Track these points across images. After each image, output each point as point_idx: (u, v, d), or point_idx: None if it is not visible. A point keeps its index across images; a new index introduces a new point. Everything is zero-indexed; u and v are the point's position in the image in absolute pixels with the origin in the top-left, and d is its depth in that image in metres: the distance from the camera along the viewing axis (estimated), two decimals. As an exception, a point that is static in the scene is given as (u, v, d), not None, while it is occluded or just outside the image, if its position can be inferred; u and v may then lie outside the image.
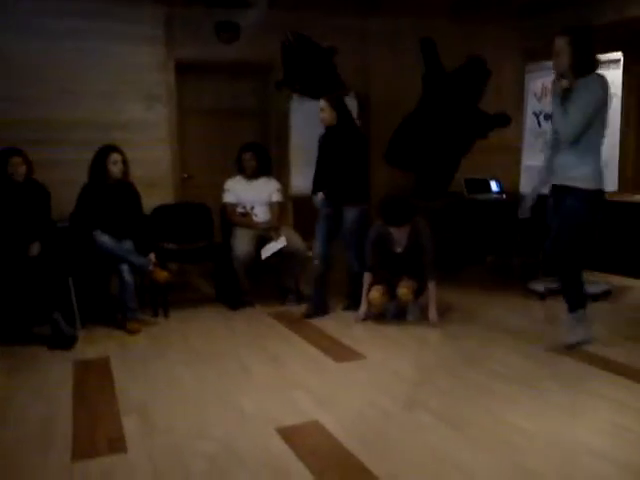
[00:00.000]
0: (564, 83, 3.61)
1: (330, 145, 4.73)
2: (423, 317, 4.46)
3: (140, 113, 5.78)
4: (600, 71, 4.89)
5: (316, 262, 4.78)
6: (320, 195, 4.80)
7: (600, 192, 3.70)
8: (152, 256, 4.63)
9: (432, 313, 4.41)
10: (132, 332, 4.41)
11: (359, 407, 3.07)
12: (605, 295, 5.06)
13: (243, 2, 5.90)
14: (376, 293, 4.45)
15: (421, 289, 4.49)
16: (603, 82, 3.57)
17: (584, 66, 3.57)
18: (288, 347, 4.05)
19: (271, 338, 4.25)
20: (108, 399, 3.23)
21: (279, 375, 3.54)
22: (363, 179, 4.76)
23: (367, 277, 4.55)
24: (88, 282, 4.79)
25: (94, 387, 3.43)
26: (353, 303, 4.78)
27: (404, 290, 4.40)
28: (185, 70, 6.00)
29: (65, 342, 4.09)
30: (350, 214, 4.66)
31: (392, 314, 4.59)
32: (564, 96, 3.63)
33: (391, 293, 4.49)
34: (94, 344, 4.19)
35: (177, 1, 5.76)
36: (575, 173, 3.64)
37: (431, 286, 4.42)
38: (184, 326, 4.60)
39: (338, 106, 4.67)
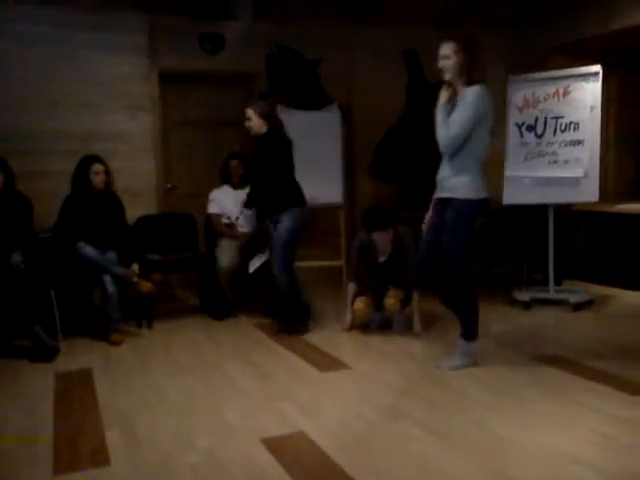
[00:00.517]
0: (446, 93, 3.52)
1: (257, 156, 4.47)
2: (409, 327, 4.47)
3: (124, 123, 5.76)
4: (580, 83, 5.04)
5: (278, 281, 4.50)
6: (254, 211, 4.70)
7: (481, 202, 3.54)
8: (135, 267, 4.60)
9: (417, 324, 4.42)
10: (115, 344, 4.37)
11: (344, 417, 3.06)
12: (587, 304, 5.10)
13: (227, 14, 5.92)
14: (360, 304, 4.46)
15: (408, 299, 4.49)
16: (485, 93, 3.45)
17: (467, 76, 3.46)
18: (273, 358, 4.03)
19: (256, 349, 4.23)
20: (91, 411, 3.20)
21: (264, 386, 3.53)
22: (290, 185, 4.49)
23: (351, 287, 4.55)
24: (70, 293, 4.74)
25: (76, 399, 3.39)
26: (286, 328, 4.53)
27: (392, 300, 4.41)
28: (169, 80, 5.99)
29: (46, 354, 4.05)
30: (282, 223, 4.38)
31: (377, 325, 4.60)
32: (448, 106, 3.51)
33: (377, 303, 4.49)
34: (76, 356, 4.15)
35: (160, 11, 5.76)
36: (454, 183, 3.52)
37: (414, 296, 4.43)
38: (168, 337, 4.57)
39: (267, 115, 4.44)
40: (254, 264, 4.95)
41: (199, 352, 4.21)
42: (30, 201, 4.56)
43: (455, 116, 3.44)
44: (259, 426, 2.96)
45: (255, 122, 4.45)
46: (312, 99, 6.01)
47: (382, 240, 4.43)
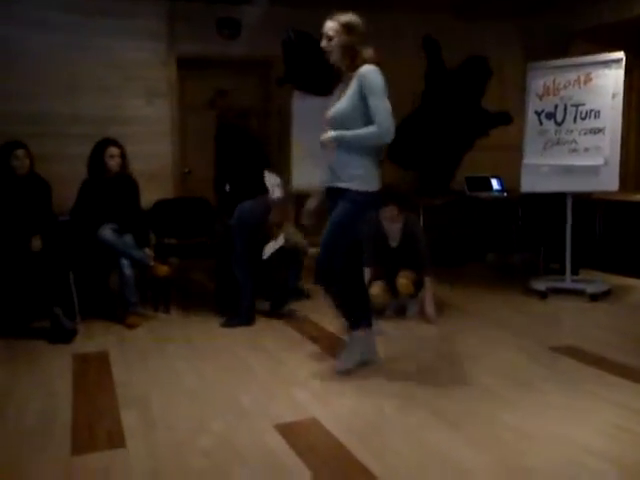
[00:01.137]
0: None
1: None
2: (423, 312, 4.46)
3: (141, 108, 5.79)
4: (603, 70, 4.95)
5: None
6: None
7: (374, 195, 3.34)
8: (148, 250, 4.64)
9: (429, 308, 4.40)
10: (132, 326, 4.42)
11: (357, 404, 3.07)
12: (605, 295, 5.06)
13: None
14: (377, 289, 4.44)
15: (420, 282, 4.49)
16: (380, 74, 3.29)
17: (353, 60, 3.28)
18: (287, 344, 4.05)
19: (270, 335, 4.25)
20: (107, 393, 3.24)
21: (278, 372, 3.55)
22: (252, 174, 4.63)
23: (366, 272, 4.53)
24: (88, 276, 4.79)
25: (93, 381, 3.43)
26: (235, 317, 4.50)
27: (403, 281, 4.41)
28: (186, 65, 5.99)
29: (65, 336, 4.10)
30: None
31: (393, 310, 4.59)
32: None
33: (391, 289, 4.49)
34: (94, 338, 4.20)
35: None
36: (349, 173, 3.28)
37: (427, 281, 4.42)
38: (184, 321, 4.61)
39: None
40: (267, 251, 4.96)
41: (214, 337, 4.24)
42: (49, 184, 4.60)
43: (374, 103, 3.21)
44: (272, 412, 2.97)
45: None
46: (330, 84, 5.97)
47: (389, 219, 4.43)
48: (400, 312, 4.57)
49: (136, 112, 5.78)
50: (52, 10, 5.42)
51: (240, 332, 4.34)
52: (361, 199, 3.29)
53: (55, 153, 5.30)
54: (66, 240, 4.58)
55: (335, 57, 3.36)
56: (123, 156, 4.68)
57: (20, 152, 4.42)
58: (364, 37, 3.35)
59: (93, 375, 3.53)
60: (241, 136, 4.67)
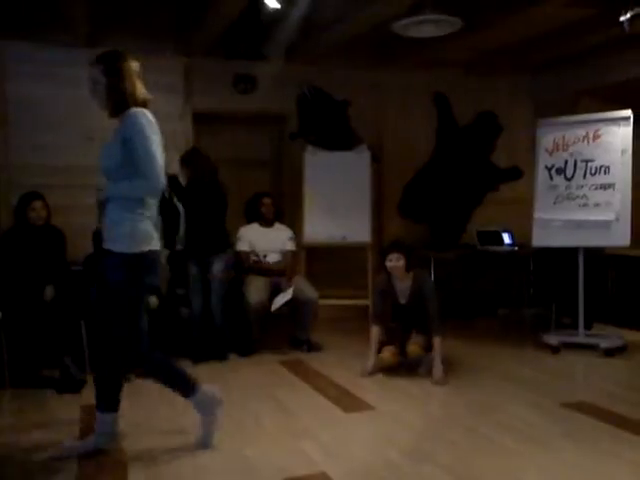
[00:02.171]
0: None
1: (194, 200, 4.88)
2: (431, 374, 4.35)
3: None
4: (611, 127, 5.02)
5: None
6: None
7: (143, 256, 2.89)
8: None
9: (437, 371, 4.25)
10: (142, 376, 4.39)
11: (367, 459, 3.02)
12: (620, 350, 4.99)
13: (260, 55, 6.08)
14: (387, 353, 4.41)
15: (431, 344, 4.40)
16: (149, 118, 2.97)
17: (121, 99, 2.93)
18: (297, 396, 4.01)
19: (280, 387, 4.21)
20: (115, 446, 3.20)
21: (287, 424, 3.50)
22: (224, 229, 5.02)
23: (375, 331, 4.47)
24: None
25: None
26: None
27: (413, 347, 4.37)
28: (202, 120, 6.14)
29: (74, 386, 4.08)
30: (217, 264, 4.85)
31: (404, 367, 4.51)
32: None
33: (402, 351, 4.44)
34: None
35: (196, 52, 5.94)
36: (113, 232, 2.92)
37: (436, 342, 4.28)
38: (193, 371, 4.57)
39: (187, 161, 4.94)
40: (277, 302, 4.98)
41: (224, 387, 4.17)
42: (64, 234, 4.67)
43: (138, 150, 2.84)
44: (281, 465, 2.93)
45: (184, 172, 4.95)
46: (342, 140, 6.10)
47: (401, 284, 4.40)
48: (411, 368, 4.48)
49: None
50: (76, 65, 5.58)
51: (250, 383, 4.31)
52: (126, 262, 2.86)
53: (70, 203, 5.39)
54: (78, 289, 4.61)
55: (98, 101, 2.99)
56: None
57: (37, 203, 4.52)
58: (133, 75, 3.01)
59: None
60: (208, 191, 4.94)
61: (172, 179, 4.68)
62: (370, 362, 4.44)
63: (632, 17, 4.67)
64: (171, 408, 3.71)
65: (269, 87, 6.21)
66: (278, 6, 4.92)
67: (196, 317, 4.84)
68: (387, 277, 4.44)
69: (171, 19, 5.63)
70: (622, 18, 4.70)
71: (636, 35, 5.25)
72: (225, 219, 5.04)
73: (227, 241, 5.03)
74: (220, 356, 4.83)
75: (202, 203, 4.87)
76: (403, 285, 4.42)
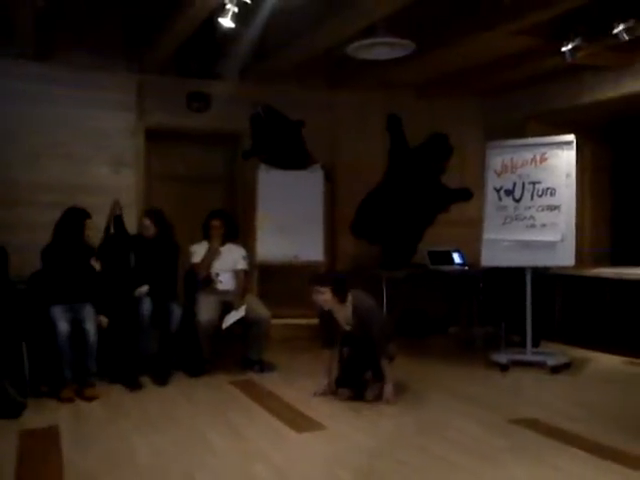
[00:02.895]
0: None
1: (150, 254, 5.01)
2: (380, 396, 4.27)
3: (108, 177, 5.81)
4: (556, 151, 5.19)
5: None
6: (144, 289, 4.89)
7: None
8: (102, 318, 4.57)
9: (387, 391, 4.22)
10: (91, 399, 4.27)
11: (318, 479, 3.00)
12: (565, 367, 5.10)
13: (214, 74, 6.08)
14: (343, 397, 4.29)
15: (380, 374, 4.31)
16: None
17: None
18: (249, 417, 3.96)
19: (232, 408, 4.15)
20: (54, 473, 3.07)
21: (239, 446, 3.45)
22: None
23: (326, 355, 4.42)
24: (43, 346, 4.65)
25: (40, 460, 3.27)
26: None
27: (370, 398, 4.25)
28: (155, 137, 6.08)
29: (12, 410, 3.92)
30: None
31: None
32: None
33: (358, 394, 4.31)
34: (44, 413, 4.01)
35: (150, 69, 5.90)
36: None
37: (383, 365, 4.24)
38: (141, 394, 4.48)
39: (159, 221, 5.06)
40: (228, 320, 4.93)
41: (173, 409, 4.13)
42: (6, 251, 4.52)
43: None
44: (230, 488, 2.88)
45: (151, 229, 5.05)
46: (295, 159, 6.13)
47: (339, 313, 4.26)
48: (359, 396, 4.32)
49: (102, 181, 5.79)
50: (26, 80, 5.48)
51: (201, 404, 4.24)
52: None
53: (17, 220, 5.26)
54: (21, 309, 4.47)
55: None
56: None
57: None
58: None
59: (40, 453, 3.36)
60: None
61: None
62: (322, 384, 4.39)
63: (573, 48, 4.88)
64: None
65: (223, 106, 6.21)
66: (232, 25, 4.94)
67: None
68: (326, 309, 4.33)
69: (124, 35, 5.59)
70: (564, 49, 4.91)
71: (578, 65, 5.49)
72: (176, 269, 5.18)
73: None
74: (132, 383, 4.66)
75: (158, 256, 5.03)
76: (342, 314, 4.28)
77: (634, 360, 5.38)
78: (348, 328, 4.34)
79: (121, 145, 5.87)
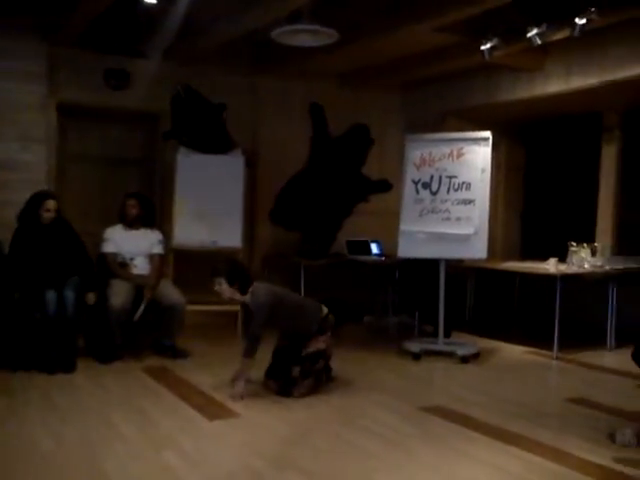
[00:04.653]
0: None
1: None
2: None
3: (15, 153, 5.50)
4: (472, 147, 5.34)
5: None
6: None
7: None
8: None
9: (237, 386, 4.00)
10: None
11: (230, 468, 2.97)
12: (474, 357, 5.29)
13: (135, 51, 5.87)
14: (269, 387, 4.19)
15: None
16: None
17: None
18: (160, 404, 3.87)
19: (142, 395, 4.05)
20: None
21: (149, 434, 3.37)
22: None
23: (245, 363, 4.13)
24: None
25: None
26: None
27: (297, 396, 4.08)
28: (70, 113, 5.82)
29: None
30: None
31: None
32: None
33: (284, 389, 4.16)
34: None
35: (65, 42, 5.61)
36: None
37: (243, 360, 4.03)
38: (45, 381, 4.29)
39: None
40: (137, 313, 4.82)
41: (80, 397, 3.98)
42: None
43: None
44: (139, 476, 2.81)
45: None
46: (216, 143, 6.01)
47: (226, 297, 4.15)
48: (286, 392, 4.11)
49: (10, 157, 5.48)
50: None
51: (110, 392, 4.11)
52: None
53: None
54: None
55: None
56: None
57: None
58: None
59: None
60: None
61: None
62: (239, 387, 4.06)
63: (491, 47, 5.06)
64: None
65: (144, 85, 6.01)
66: (154, 1, 4.78)
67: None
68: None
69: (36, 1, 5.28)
70: (483, 47, 5.07)
71: (496, 64, 5.67)
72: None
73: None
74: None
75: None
76: (248, 300, 4.15)
77: (533, 350, 5.64)
78: None
79: (30, 120, 5.56)
